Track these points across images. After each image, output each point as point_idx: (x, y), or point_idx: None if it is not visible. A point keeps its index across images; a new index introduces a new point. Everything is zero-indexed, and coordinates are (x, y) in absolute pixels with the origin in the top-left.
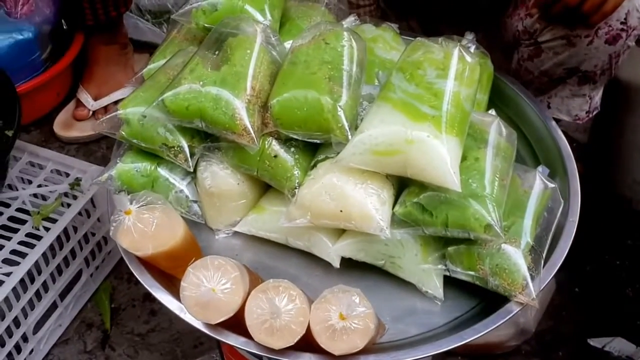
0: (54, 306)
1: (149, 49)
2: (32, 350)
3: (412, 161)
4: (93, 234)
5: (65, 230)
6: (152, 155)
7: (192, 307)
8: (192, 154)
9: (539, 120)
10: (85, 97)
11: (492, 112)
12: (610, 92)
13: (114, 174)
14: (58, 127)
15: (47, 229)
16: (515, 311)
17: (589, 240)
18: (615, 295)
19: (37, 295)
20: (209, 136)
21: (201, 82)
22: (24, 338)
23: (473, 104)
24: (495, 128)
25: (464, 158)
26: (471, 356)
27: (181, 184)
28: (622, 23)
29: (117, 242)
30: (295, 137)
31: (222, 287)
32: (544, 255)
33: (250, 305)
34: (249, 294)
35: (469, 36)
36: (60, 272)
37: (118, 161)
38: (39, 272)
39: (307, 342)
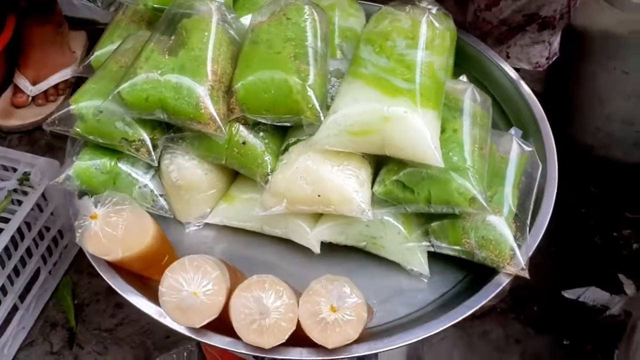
0: (14, 309)
1: (84, 26)
2: None
3: (390, 139)
4: (48, 229)
5: (19, 229)
6: (111, 150)
7: (172, 312)
8: (154, 147)
9: (506, 80)
10: (23, 82)
11: (464, 78)
12: (566, 40)
13: (72, 174)
14: None
15: None
16: (505, 282)
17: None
18: (584, 244)
19: None
20: (170, 127)
21: (159, 71)
22: None
23: (447, 73)
24: (469, 95)
25: (442, 130)
26: None
27: (144, 178)
28: None
29: (84, 249)
30: (263, 121)
31: (204, 290)
32: (528, 222)
33: (236, 306)
34: (231, 291)
35: None
36: (17, 273)
37: (75, 159)
38: None
39: (297, 336)
